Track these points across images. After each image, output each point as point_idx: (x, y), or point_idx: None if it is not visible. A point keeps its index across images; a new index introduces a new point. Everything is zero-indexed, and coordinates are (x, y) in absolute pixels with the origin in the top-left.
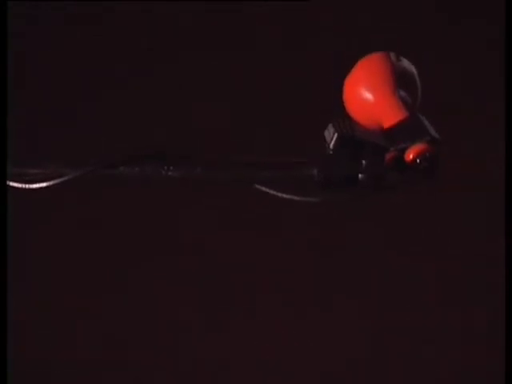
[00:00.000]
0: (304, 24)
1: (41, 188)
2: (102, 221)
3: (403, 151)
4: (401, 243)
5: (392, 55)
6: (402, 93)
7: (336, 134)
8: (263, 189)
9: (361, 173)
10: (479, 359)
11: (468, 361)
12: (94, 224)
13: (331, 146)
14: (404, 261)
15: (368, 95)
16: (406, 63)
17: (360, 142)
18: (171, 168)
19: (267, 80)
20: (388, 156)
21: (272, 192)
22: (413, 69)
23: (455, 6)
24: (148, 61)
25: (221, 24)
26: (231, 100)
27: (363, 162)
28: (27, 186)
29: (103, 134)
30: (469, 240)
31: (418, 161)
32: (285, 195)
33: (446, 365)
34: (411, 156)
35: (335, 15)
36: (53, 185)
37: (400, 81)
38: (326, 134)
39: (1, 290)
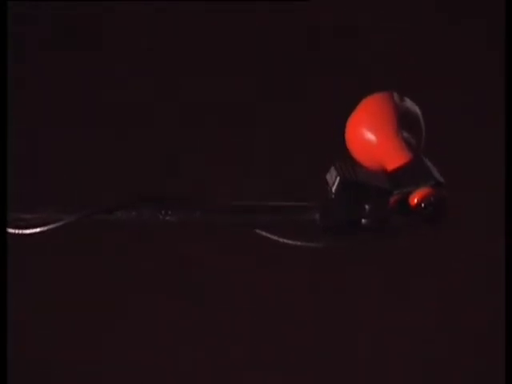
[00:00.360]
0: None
1: (36, 233)
2: (100, 263)
3: (407, 195)
4: (403, 287)
5: (395, 95)
6: (406, 134)
7: (338, 178)
8: (264, 233)
9: (364, 217)
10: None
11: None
12: (92, 266)
13: (333, 189)
14: (404, 306)
15: (371, 136)
16: (409, 103)
17: (363, 185)
18: (169, 212)
19: (267, 121)
20: (392, 200)
21: (273, 237)
22: (416, 109)
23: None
24: (147, 102)
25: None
26: (231, 142)
27: (366, 206)
28: (22, 231)
29: (100, 177)
30: (471, 287)
31: (422, 205)
32: (286, 240)
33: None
34: (416, 200)
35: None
36: (48, 230)
37: (403, 122)
38: (328, 177)
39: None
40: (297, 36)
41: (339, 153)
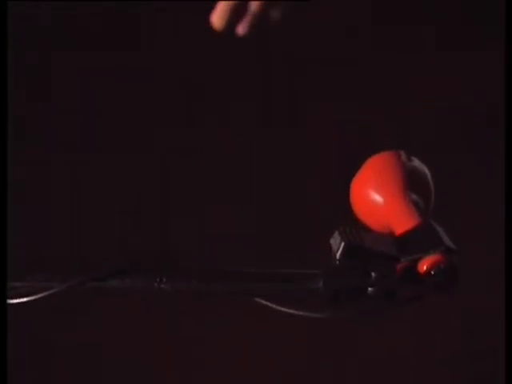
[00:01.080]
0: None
1: (25, 302)
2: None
3: (416, 261)
4: (412, 357)
5: (403, 155)
6: (414, 196)
7: (343, 243)
8: (264, 302)
9: (370, 286)
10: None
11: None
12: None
13: (338, 255)
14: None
15: (377, 198)
16: (417, 163)
17: (369, 251)
18: (164, 280)
19: (266, 180)
20: (399, 266)
21: (273, 306)
22: (425, 170)
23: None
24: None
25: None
26: (230, 208)
27: (373, 273)
28: (10, 301)
29: (92, 240)
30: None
31: (432, 272)
32: (287, 309)
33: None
34: (425, 267)
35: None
36: (37, 299)
37: (411, 183)
38: (332, 242)
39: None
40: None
41: (343, 215)
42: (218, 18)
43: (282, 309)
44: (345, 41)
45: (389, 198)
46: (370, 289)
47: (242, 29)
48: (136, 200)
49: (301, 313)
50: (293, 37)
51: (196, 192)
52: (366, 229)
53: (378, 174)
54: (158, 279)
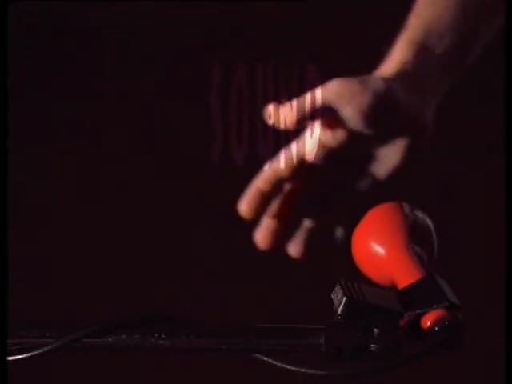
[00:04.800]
0: None
1: (18, 360)
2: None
3: (419, 317)
4: None
5: (405, 206)
6: (417, 249)
7: (345, 298)
8: (264, 358)
9: (373, 342)
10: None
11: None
12: None
13: (339, 311)
14: None
15: (379, 250)
16: (420, 215)
17: (372, 306)
18: (162, 335)
19: None
20: (403, 322)
21: (273, 362)
22: (428, 221)
23: None
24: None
25: None
26: (229, 262)
27: (375, 329)
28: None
29: (86, 292)
30: None
31: (436, 329)
32: (287, 366)
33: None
34: (428, 323)
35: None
36: (30, 356)
37: (415, 235)
38: (333, 296)
39: None
40: None
41: (345, 267)
42: (263, 237)
43: (283, 365)
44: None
45: (391, 251)
46: (372, 346)
47: (295, 250)
48: (133, 253)
49: (302, 370)
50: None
51: (192, 244)
52: (367, 282)
53: (380, 226)
54: (155, 334)
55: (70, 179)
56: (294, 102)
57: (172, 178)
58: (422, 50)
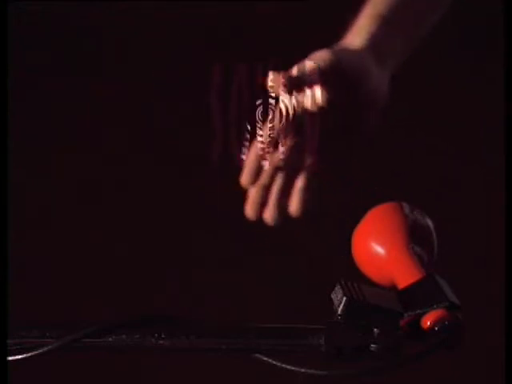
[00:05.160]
0: None
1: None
2: None
3: (419, 317)
4: None
5: (405, 206)
6: (417, 249)
7: (345, 298)
8: (264, 358)
9: (373, 342)
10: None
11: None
12: None
13: (339, 311)
14: None
15: (379, 250)
16: (420, 215)
17: (372, 306)
18: (162, 335)
19: (265, 237)
20: (403, 322)
21: (273, 362)
22: (428, 221)
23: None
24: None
25: None
26: (229, 262)
27: (375, 329)
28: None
29: (86, 292)
30: None
31: (436, 329)
32: (288, 366)
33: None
34: (428, 323)
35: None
36: (30, 356)
37: (415, 235)
38: (333, 296)
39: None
40: None
41: (345, 267)
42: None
43: (283, 365)
44: None
45: (391, 251)
46: (372, 346)
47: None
48: (133, 253)
49: (302, 370)
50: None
51: (192, 246)
52: (367, 282)
53: (380, 226)
54: (155, 334)
55: (70, 179)
56: (292, 70)
57: (172, 177)
58: (386, 24)
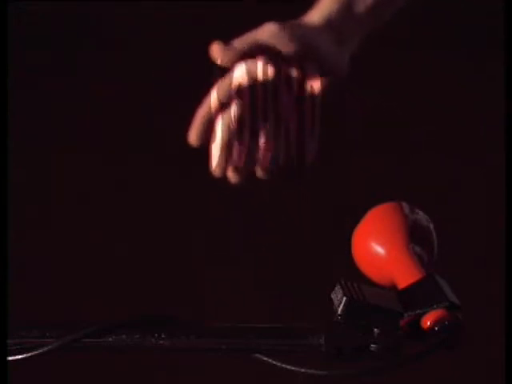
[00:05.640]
0: None
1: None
2: None
3: (419, 316)
4: None
5: (405, 206)
6: (417, 249)
7: (345, 298)
8: (264, 358)
9: (373, 342)
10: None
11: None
12: None
13: (339, 311)
14: None
15: (379, 250)
16: (420, 215)
17: (372, 306)
18: (162, 335)
19: (265, 237)
20: (403, 322)
21: (273, 362)
22: (428, 221)
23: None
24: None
25: None
26: (229, 263)
27: (375, 329)
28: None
29: (87, 293)
30: None
31: (436, 329)
32: (287, 366)
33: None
34: (428, 323)
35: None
36: (30, 356)
37: (415, 235)
38: (333, 296)
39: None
40: None
41: (345, 267)
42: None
43: (283, 365)
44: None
45: (391, 251)
46: (372, 346)
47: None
48: (133, 253)
49: (302, 369)
50: None
51: (193, 246)
52: (367, 282)
53: (380, 226)
54: (155, 334)
55: (70, 179)
56: (235, 41)
57: (172, 178)
58: (346, 6)
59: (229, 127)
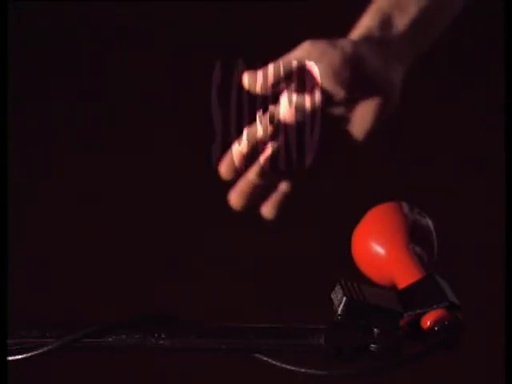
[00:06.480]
0: None
1: (18, 360)
2: None
3: (419, 316)
4: None
5: (405, 206)
6: (417, 249)
7: (345, 298)
8: (264, 358)
9: (373, 342)
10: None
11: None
12: None
13: (339, 311)
14: None
15: (379, 250)
16: (420, 215)
17: (372, 306)
18: (162, 335)
19: (265, 236)
20: (403, 322)
21: (273, 362)
22: (428, 221)
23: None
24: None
25: None
26: (229, 262)
27: (375, 329)
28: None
29: (86, 291)
30: None
31: (435, 329)
32: (288, 366)
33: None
34: (428, 323)
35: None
36: (30, 356)
37: (415, 235)
38: (333, 296)
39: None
40: None
41: (344, 267)
42: (238, 197)
43: (283, 365)
44: None
45: (391, 251)
46: (372, 346)
47: (268, 211)
48: (133, 253)
49: (302, 370)
50: None
51: (193, 246)
52: (367, 282)
53: (380, 226)
54: (156, 334)
55: (70, 179)
56: (270, 66)
57: (172, 178)
58: (387, 19)
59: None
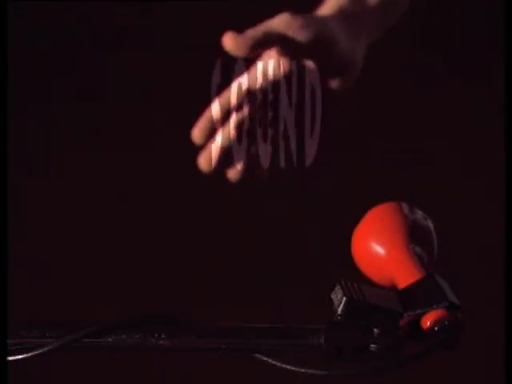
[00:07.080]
0: None
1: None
2: None
3: (419, 316)
4: None
5: (405, 206)
6: (417, 249)
7: (345, 298)
8: (264, 358)
9: (373, 342)
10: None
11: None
12: None
13: (339, 311)
14: None
15: (379, 250)
16: (420, 215)
17: (372, 306)
18: (162, 335)
19: (265, 237)
20: (403, 322)
21: (273, 362)
22: (428, 221)
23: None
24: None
25: None
26: (229, 262)
27: (375, 329)
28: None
29: (85, 291)
30: None
31: (435, 329)
32: (288, 366)
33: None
34: (428, 323)
35: None
36: (30, 356)
37: (415, 235)
38: (333, 296)
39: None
40: None
41: (345, 267)
42: (205, 160)
43: (283, 365)
44: None
45: (391, 251)
46: (372, 346)
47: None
48: (133, 253)
49: (302, 370)
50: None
51: (193, 246)
52: (367, 282)
53: (380, 226)
54: (156, 334)
55: (70, 179)
56: (248, 31)
57: (172, 178)
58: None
59: (230, 133)
